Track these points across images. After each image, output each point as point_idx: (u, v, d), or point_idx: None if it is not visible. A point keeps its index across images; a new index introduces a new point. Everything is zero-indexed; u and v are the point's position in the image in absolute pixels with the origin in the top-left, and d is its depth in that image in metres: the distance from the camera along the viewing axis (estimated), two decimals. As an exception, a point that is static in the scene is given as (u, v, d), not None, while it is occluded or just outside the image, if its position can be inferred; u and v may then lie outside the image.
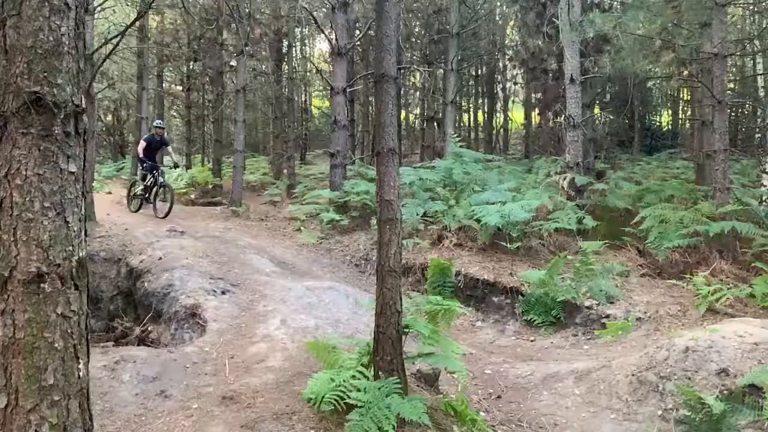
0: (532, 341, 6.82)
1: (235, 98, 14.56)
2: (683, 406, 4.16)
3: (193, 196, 15.42)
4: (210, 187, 16.57)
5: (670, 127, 25.53)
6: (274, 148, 19.64)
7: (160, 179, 10.50)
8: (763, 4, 13.86)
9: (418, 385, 4.69)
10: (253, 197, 15.11)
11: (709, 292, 6.45)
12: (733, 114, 21.62)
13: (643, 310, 6.63)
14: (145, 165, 10.68)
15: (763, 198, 9.92)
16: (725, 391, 4.17)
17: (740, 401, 4.04)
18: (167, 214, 10.18)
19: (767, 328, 4.79)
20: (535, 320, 7.08)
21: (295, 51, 22.85)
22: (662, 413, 4.29)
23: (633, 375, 4.72)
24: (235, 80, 15.62)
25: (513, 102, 27.59)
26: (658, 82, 20.53)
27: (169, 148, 11.30)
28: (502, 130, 26.80)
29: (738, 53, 12.22)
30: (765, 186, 10.17)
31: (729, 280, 7.12)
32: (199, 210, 13.04)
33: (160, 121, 12.27)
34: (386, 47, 4.06)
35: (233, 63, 17.20)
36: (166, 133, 11.62)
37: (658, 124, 26.34)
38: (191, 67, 19.49)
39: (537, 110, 19.35)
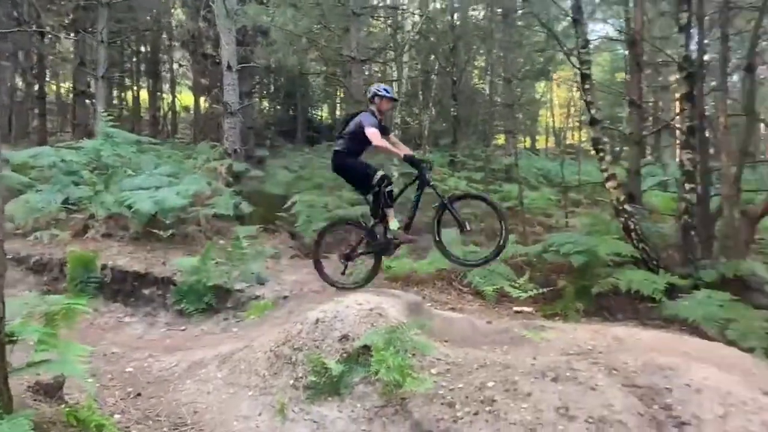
0: (183, 330, 6.68)
1: None
2: (311, 372, 4.56)
3: None
4: None
5: (330, 120, 28.16)
6: None
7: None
8: (398, 18, 16.26)
9: (35, 399, 4.09)
10: None
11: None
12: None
13: (290, 288, 7.10)
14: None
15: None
16: (345, 354, 4.70)
17: (355, 361, 4.62)
18: None
19: (380, 296, 5.60)
20: (187, 309, 6.94)
21: None
22: (293, 382, 4.62)
23: (271, 351, 4.98)
24: None
25: (180, 84, 26.65)
26: (317, 77, 22.33)
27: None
28: (170, 112, 25.65)
29: (372, 59, 13.99)
30: (394, 176, 11.96)
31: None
32: None
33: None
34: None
35: None
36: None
37: (320, 116, 28.77)
38: None
39: (205, 95, 19.10)
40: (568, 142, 29.00)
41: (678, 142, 9.07)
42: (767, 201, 7.34)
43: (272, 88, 22.79)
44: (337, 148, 5.72)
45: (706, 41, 9.47)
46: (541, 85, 25.33)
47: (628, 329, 5.72)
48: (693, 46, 8.75)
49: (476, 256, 6.36)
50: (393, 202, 5.62)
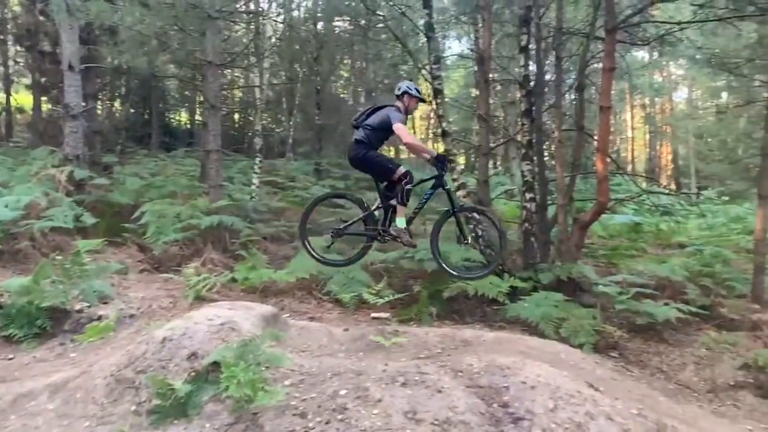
0: (10, 360, 5.95)
1: None
2: (155, 395, 4.29)
3: None
4: None
5: (188, 125, 26.86)
6: None
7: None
8: (260, 23, 15.94)
9: None
10: None
11: (197, 282, 6.96)
12: (242, 118, 24.54)
13: (137, 306, 6.65)
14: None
15: (253, 195, 11.42)
16: (193, 373, 4.50)
17: (205, 380, 4.43)
18: None
19: (233, 309, 5.43)
20: (15, 335, 6.18)
21: None
22: (136, 408, 4.32)
23: (112, 375, 4.63)
24: None
25: (18, 83, 23.94)
26: (172, 81, 21.24)
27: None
28: (4, 113, 22.94)
29: (231, 64, 13.61)
30: (255, 184, 11.72)
31: (218, 268, 7.86)
32: None
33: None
34: None
35: None
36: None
37: (177, 121, 27.36)
38: None
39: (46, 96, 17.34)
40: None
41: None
42: (595, 209, 8.18)
43: (124, 90, 21.27)
44: (358, 138, 5.39)
45: (544, 62, 10.41)
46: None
47: (475, 331, 6.09)
48: (532, 66, 9.58)
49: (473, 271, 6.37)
50: (408, 200, 5.35)
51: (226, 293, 7.29)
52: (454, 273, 5.70)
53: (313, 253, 5.53)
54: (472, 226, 8.11)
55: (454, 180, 8.37)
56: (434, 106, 8.94)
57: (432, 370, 4.51)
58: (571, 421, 3.96)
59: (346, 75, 23.60)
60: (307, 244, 5.49)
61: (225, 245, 8.72)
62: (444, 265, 5.51)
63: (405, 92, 5.40)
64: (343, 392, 4.22)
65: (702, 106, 22.57)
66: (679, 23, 8.79)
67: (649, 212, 14.54)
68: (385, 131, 5.33)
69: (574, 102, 11.22)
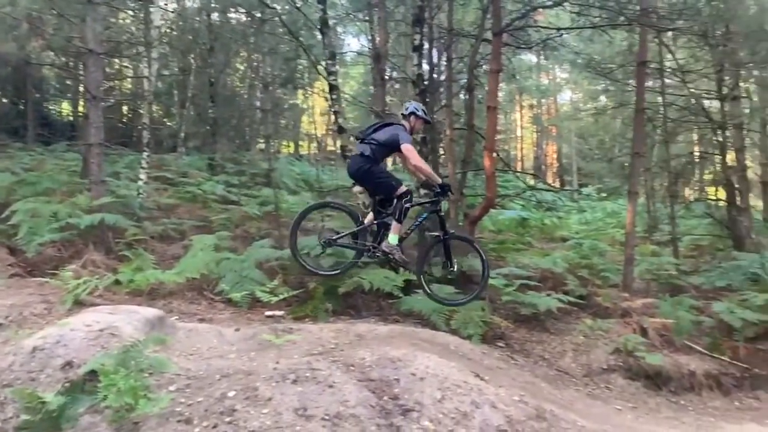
0: None
1: None
2: (23, 410, 3.96)
3: None
4: None
5: (71, 117, 24.95)
6: None
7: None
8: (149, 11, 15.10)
9: None
10: None
11: (77, 285, 6.48)
12: (130, 110, 23.11)
13: (5, 314, 6.08)
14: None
15: (140, 191, 10.83)
16: (68, 384, 4.20)
17: (81, 390, 4.15)
18: None
19: (115, 314, 5.13)
20: None
21: None
22: (1, 425, 3.98)
23: (-28, 392, 4.22)
24: None
25: None
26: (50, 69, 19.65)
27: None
28: None
29: (115, 53, 12.84)
30: (142, 180, 11.12)
31: (100, 270, 7.37)
32: None
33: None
34: None
35: None
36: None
37: (57, 113, 25.34)
38: None
39: None
40: (329, 148, 30.24)
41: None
42: (483, 205, 8.55)
43: (-7, 79, 19.38)
44: (363, 153, 5.42)
45: (437, 62, 10.73)
46: (301, 93, 25.96)
47: (370, 325, 6.17)
48: (426, 66, 9.85)
49: (455, 297, 6.42)
50: (404, 218, 5.48)
51: (110, 297, 6.86)
52: (437, 299, 5.96)
53: (305, 264, 5.69)
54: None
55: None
56: (330, 103, 8.92)
57: (324, 365, 4.51)
58: (458, 411, 4.12)
59: (242, 68, 22.96)
60: (297, 254, 5.60)
61: (108, 246, 8.19)
62: (428, 290, 5.79)
63: (412, 113, 5.55)
64: (231, 394, 4.12)
65: (583, 108, 24.24)
66: (558, 29, 9.38)
67: (535, 208, 15.43)
68: (390, 149, 5.46)
69: (465, 101, 11.65)
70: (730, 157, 12.10)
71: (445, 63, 10.49)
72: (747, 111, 12.58)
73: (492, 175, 8.22)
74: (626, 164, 13.70)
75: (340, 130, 8.53)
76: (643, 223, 13.94)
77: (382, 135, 5.44)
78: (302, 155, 29.29)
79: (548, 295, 7.76)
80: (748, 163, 13.16)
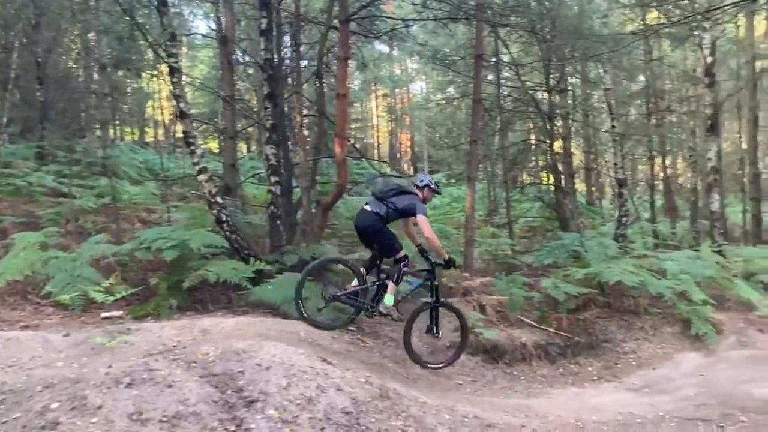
0: None
1: None
2: None
3: None
4: None
5: None
6: None
7: None
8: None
9: None
10: None
11: None
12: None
13: None
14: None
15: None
16: None
17: None
18: None
19: None
20: None
21: None
22: None
23: None
24: None
25: None
26: None
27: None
28: None
29: None
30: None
31: None
32: None
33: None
34: None
35: None
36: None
37: None
38: None
39: None
40: (178, 135, 28.62)
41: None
42: (335, 192, 8.59)
43: None
44: (379, 212, 5.86)
45: (283, 47, 10.52)
46: (146, 77, 24.20)
47: (215, 319, 5.95)
48: (275, 51, 9.61)
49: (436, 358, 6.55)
50: (401, 281, 6.00)
51: None
52: (426, 363, 6.20)
53: (306, 316, 5.90)
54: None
55: (195, 164, 8.00)
56: (172, 86, 8.39)
57: (163, 365, 4.27)
58: (303, 396, 4.12)
59: (75, 47, 20.81)
60: (300, 305, 5.87)
61: None
62: (415, 354, 6.09)
63: (426, 185, 6.10)
64: (54, 405, 3.74)
65: (433, 98, 25.33)
66: (403, 20, 9.66)
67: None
68: (404, 215, 6.00)
69: (317, 88, 11.61)
70: (558, 144, 13.36)
71: (293, 49, 10.33)
72: (570, 102, 13.95)
73: (342, 162, 8.27)
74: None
75: (182, 115, 8.05)
76: (484, 207, 14.97)
77: (400, 202, 5.89)
78: (148, 143, 27.43)
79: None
80: (573, 150, 14.66)
